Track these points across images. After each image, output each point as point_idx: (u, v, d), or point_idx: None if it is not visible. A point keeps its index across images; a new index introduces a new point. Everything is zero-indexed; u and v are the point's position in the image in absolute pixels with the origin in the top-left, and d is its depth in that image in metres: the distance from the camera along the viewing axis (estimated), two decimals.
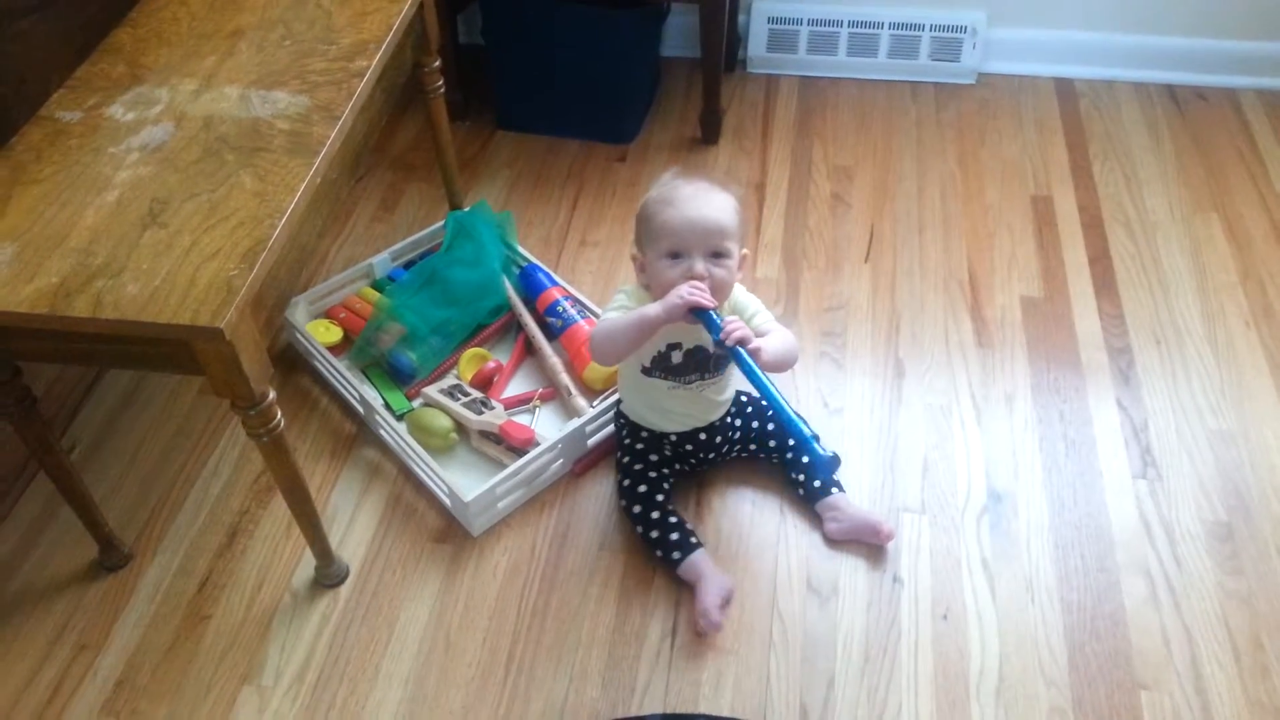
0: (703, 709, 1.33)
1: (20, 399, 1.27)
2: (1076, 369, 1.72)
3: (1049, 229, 1.97)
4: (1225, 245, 1.92)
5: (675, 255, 1.34)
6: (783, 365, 1.43)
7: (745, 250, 1.40)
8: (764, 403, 1.50)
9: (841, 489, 1.52)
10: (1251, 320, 1.78)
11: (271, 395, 1.21)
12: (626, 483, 1.51)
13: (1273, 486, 1.54)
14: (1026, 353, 1.75)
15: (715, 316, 1.31)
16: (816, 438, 1.47)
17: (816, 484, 1.52)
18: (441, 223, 1.92)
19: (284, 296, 1.28)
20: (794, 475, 1.54)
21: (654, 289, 1.38)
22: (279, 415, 1.23)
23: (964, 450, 1.62)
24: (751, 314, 1.43)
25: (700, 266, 1.33)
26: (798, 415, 1.30)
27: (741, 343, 1.30)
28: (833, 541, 1.50)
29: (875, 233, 1.99)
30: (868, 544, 1.49)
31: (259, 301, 1.18)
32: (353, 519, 1.57)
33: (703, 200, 1.35)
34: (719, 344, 1.31)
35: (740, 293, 1.44)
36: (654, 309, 1.33)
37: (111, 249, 1.16)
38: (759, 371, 1.30)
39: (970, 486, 1.57)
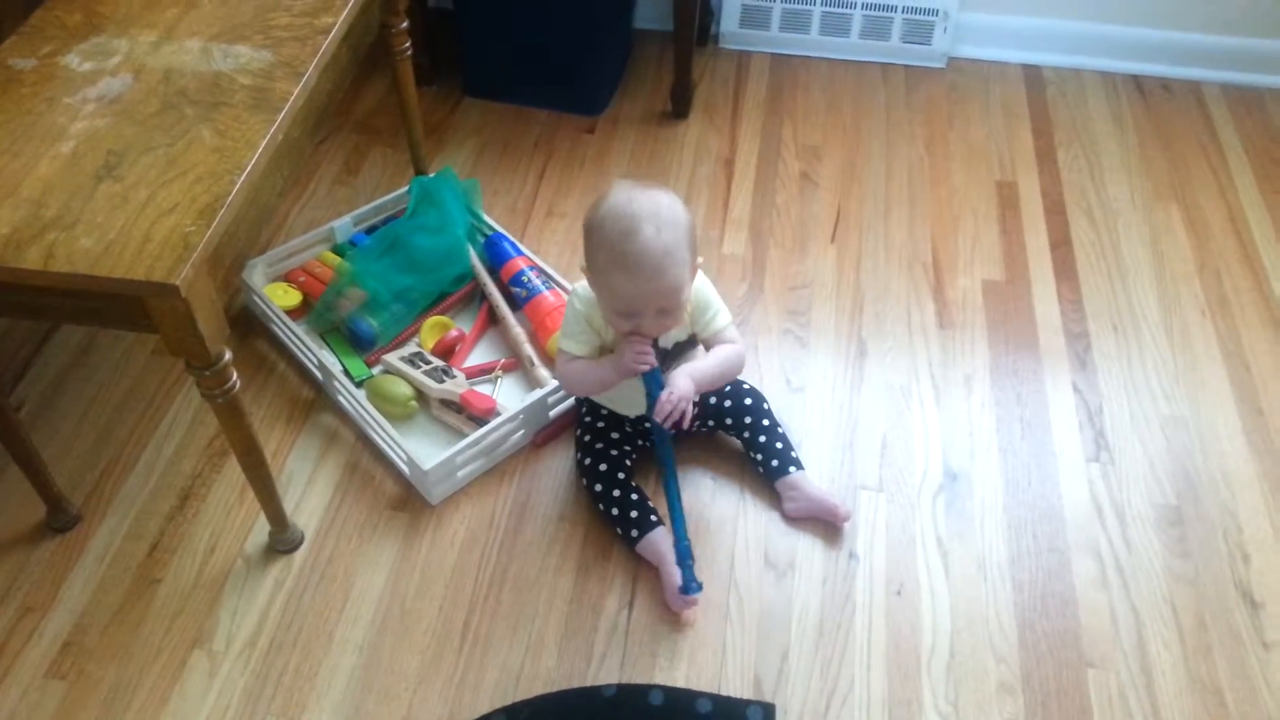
0: (658, 680, 1.34)
1: None
2: (1035, 352, 1.74)
3: (1012, 214, 1.99)
4: (1184, 235, 1.95)
5: (626, 313, 1.32)
6: (720, 384, 1.46)
7: (700, 259, 1.34)
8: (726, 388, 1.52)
9: (801, 467, 1.53)
10: (1207, 310, 1.81)
11: (227, 356, 1.19)
12: (587, 461, 1.50)
13: (1221, 472, 1.57)
14: (986, 335, 1.77)
15: (657, 382, 1.34)
16: (690, 561, 1.38)
17: (775, 463, 1.52)
18: (405, 188, 1.90)
19: (242, 256, 1.25)
20: (754, 454, 1.55)
21: (604, 316, 1.37)
22: (235, 377, 1.21)
23: (922, 430, 1.63)
24: (711, 315, 1.41)
25: (649, 324, 1.31)
26: (684, 532, 1.38)
27: (674, 426, 1.34)
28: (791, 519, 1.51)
29: (842, 213, 1.99)
30: (825, 523, 1.50)
31: (216, 259, 1.16)
32: (308, 485, 1.55)
33: (656, 263, 1.25)
34: (650, 408, 1.34)
35: (703, 288, 1.41)
36: (608, 371, 1.38)
37: (65, 201, 1.13)
38: (671, 460, 1.39)
39: (927, 466, 1.58)
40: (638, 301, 1.29)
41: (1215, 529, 1.50)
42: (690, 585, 1.36)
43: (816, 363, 1.73)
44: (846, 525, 1.50)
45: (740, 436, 1.57)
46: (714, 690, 1.33)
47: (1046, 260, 1.90)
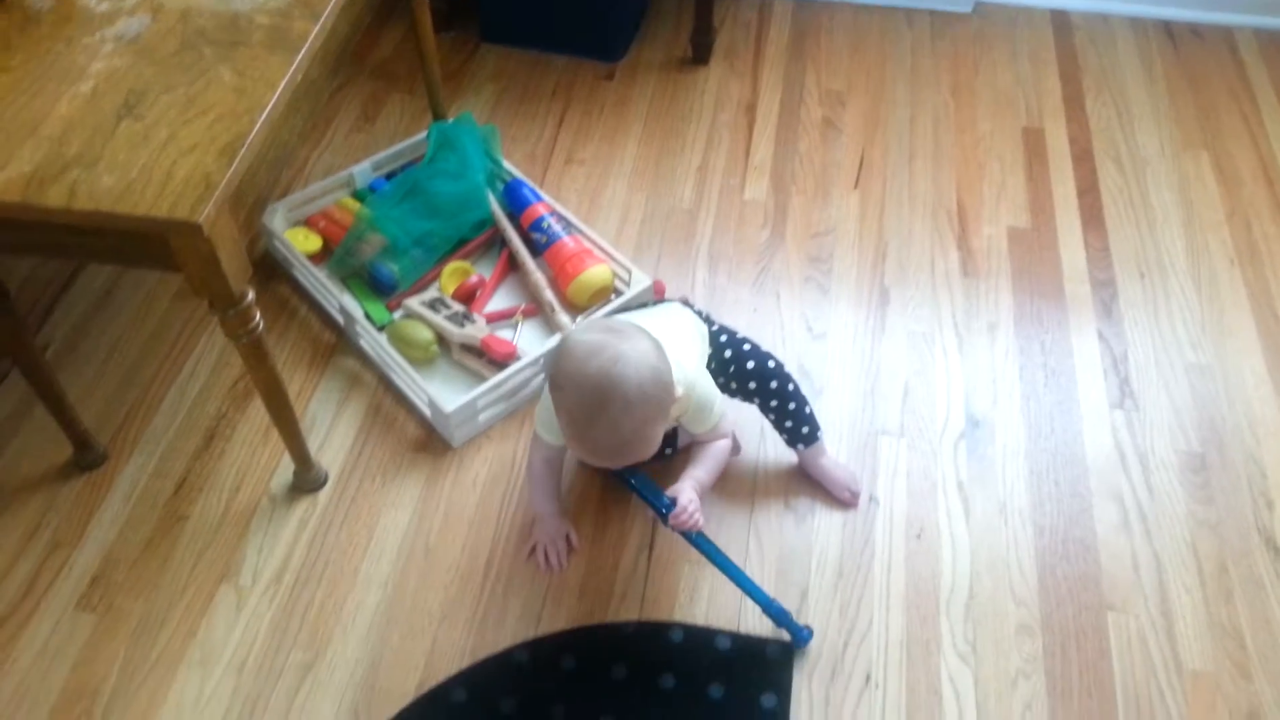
0: (677, 618, 1.35)
1: None
2: (1060, 300, 1.73)
3: (1039, 161, 1.96)
4: (1214, 183, 1.92)
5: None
6: (716, 479, 1.40)
7: (681, 392, 1.23)
8: (745, 346, 1.43)
9: (813, 442, 1.46)
10: (1235, 258, 1.79)
11: (250, 296, 1.19)
12: None
13: (1247, 420, 1.56)
14: (1011, 283, 1.75)
15: (649, 494, 1.30)
16: (789, 614, 1.32)
17: (786, 437, 1.46)
18: (424, 134, 1.89)
19: (263, 197, 1.25)
20: (774, 425, 1.47)
21: None
22: (258, 317, 1.22)
23: (944, 377, 1.63)
24: (709, 416, 1.34)
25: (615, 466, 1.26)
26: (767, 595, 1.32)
27: (691, 529, 1.29)
28: None
29: (865, 159, 1.97)
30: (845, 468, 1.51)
31: (238, 199, 1.16)
32: (332, 427, 1.56)
33: (618, 448, 1.17)
34: (662, 519, 1.29)
35: (703, 392, 1.32)
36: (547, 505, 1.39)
37: (86, 140, 1.13)
38: (717, 550, 1.31)
39: (949, 412, 1.58)
40: (596, 464, 1.26)
41: (1239, 476, 1.49)
42: (801, 634, 1.31)
43: (838, 310, 1.72)
44: (867, 470, 1.50)
45: (762, 409, 1.47)
46: (733, 629, 1.34)
47: (1073, 208, 1.88)
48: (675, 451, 1.47)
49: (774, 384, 1.42)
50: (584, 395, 1.14)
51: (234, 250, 1.13)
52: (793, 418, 1.43)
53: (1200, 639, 1.33)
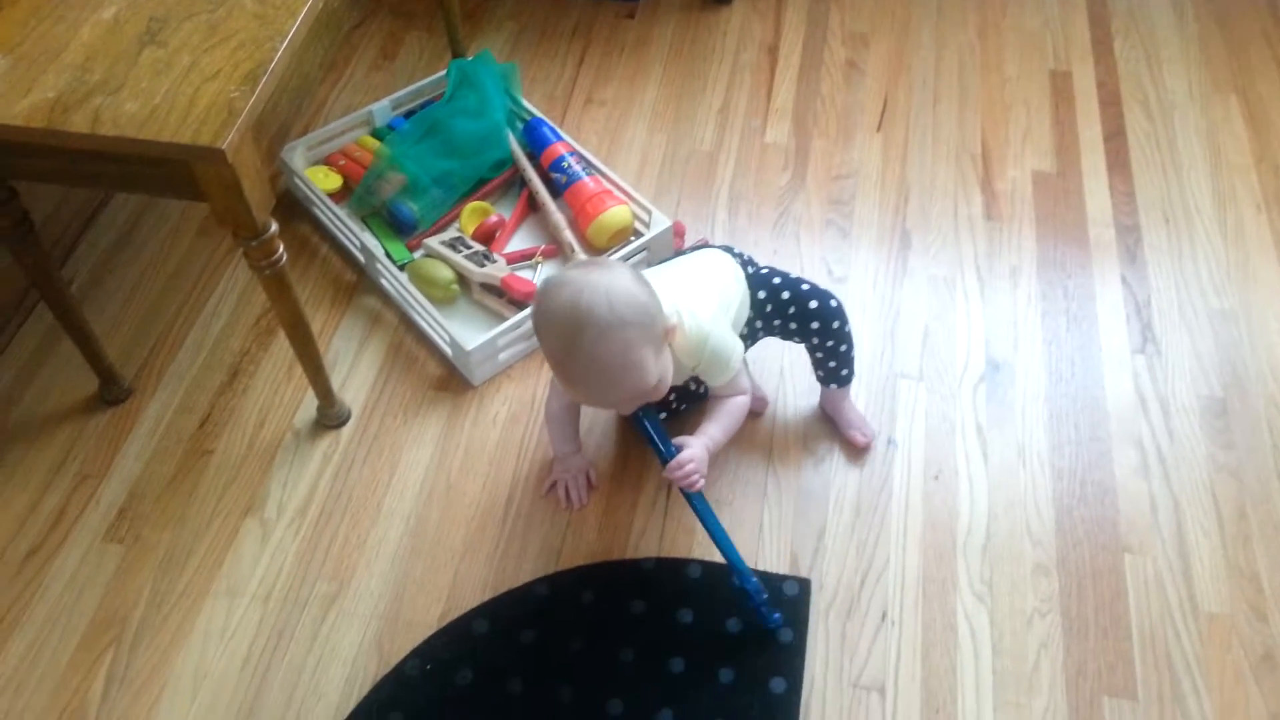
0: (696, 555, 1.36)
1: (18, 223, 1.25)
2: (1084, 245, 1.71)
3: (1066, 105, 1.93)
4: (1243, 128, 1.89)
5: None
6: (729, 440, 1.34)
7: (672, 323, 1.20)
8: (804, 286, 1.38)
9: (843, 385, 1.45)
10: (1263, 204, 1.76)
11: (274, 227, 1.19)
12: None
13: (1270, 366, 1.55)
14: (1035, 228, 1.74)
15: (655, 438, 1.25)
16: (765, 596, 1.28)
17: (821, 373, 1.45)
18: (443, 72, 1.87)
19: (285, 128, 1.25)
20: (811, 356, 1.45)
21: None
22: (281, 249, 1.22)
23: (965, 321, 1.62)
24: (723, 372, 1.29)
25: (623, 409, 1.23)
26: (750, 572, 1.27)
27: (687, 486, 1.25)
28: None
29: (889, 102, 1.94)
30: (864, 410, 1.50)
31: (261, 128, 1.15)
32: (353, 365, 1.57)
33: (602, 378, 1.14)
34: (663, 464, 1.26)
35: (717, 344, 1.27)
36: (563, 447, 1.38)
37: (109, 66, 1.12)
38: (711, 515, 1.28)
39: (969, 356, 1.57)
40: (599, 404, 1.22)
41: (1260, 422, 1.49)
42: (771, 618, 1.28)
43: (859, 253, 1.71)
44: (885, 411, 1.50)
45: (812, 348, 1.44)
46: (751, 566, 1.35)
47: (1099, 152, 1.85)
48: (687, 407, 1.45)
49: (835, 324, 1.37)
50: (556, 328, 1.13)
51: (257, 179, 1.13)
52: (839, 359, 1.40)
53: (1217, 581, 1.33)
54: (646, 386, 1.16)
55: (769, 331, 1.42)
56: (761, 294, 1.39)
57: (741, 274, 1.41)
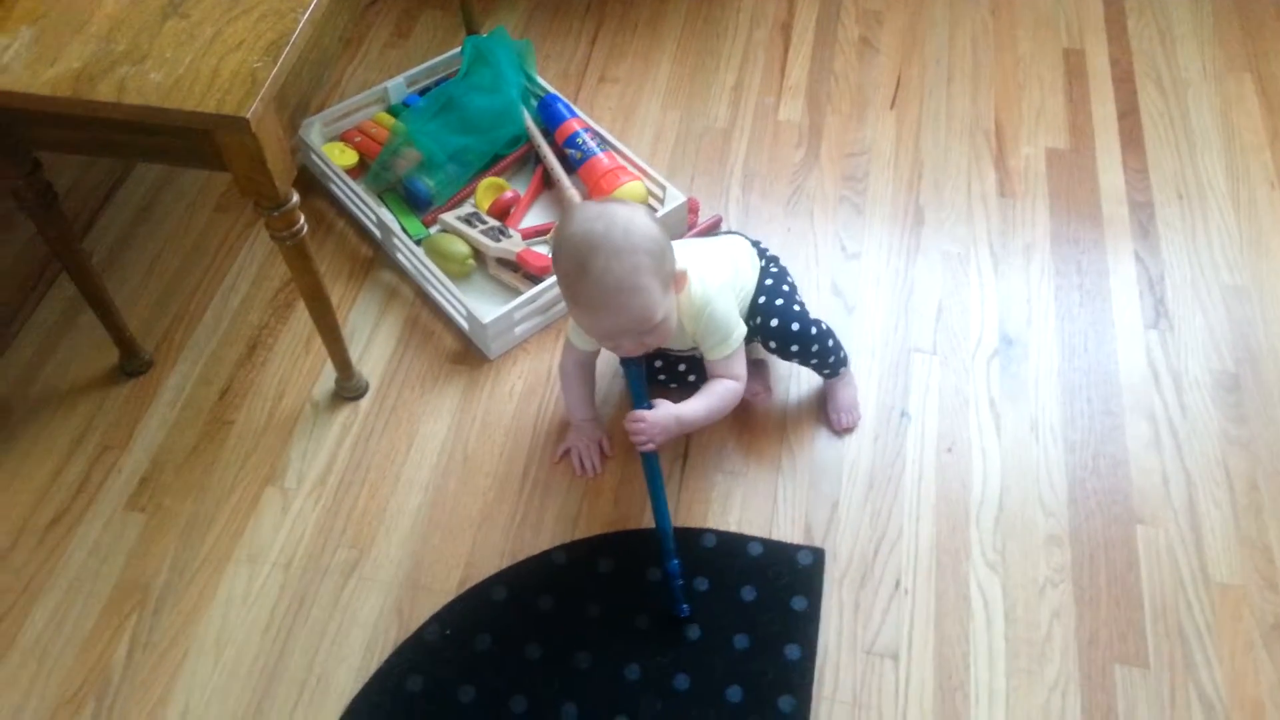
0: (710, 524, 1.38)
1: (42, 193, 1.26)
2: (1097, 222, 1.71)
3: (1079, 82, 1.93)
4: (1256, 106, 1.89)
5: (600, 339, 1.29)
6: (709, 423, 1.37)
7: (681, 268, 1.24)
8: (795, 307, 1.39)
9: (834, 375, 1.47)
10: (1276, 181, 1.76)
11: (295, 197, 1.21)
12: None
13: None
14: (1048, 204, 1.74)
15: (639, 394, 1.31)
16: (681, 582, 1.29)
17: (822, 371, 1.47)
18: (458, 49, 1.88)
19: (305, 99, 1.26)
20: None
21: None
22: (302, 219, 1.23)
23: (979, 297, 1.63)
24: (715, 342, 1.31)
25: (629, 346, 1.25)
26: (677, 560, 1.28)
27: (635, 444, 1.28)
28: None
29: (902, 79, 1.95)
30: (877, 384, 1.52)
31: (283, 99, 1.16)
32: (371, 338, 1.59)
33: (610, 299, 1.17)
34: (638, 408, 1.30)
35: (716, 310, 1.29)
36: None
37: (133, 37, 1.13)
38: (657, 481, 1.30)
39: (983, 331, 1.58)
40: (604, 333, 1.24)
41: (1273, 396, 1.49)
42: (679, 606, 1.28)
43: (872, 230, 1.72)
44: (899, 385, 1.51)
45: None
46: (765, 536, 1.37)
47: (1113, 129, 1.85)
48: (697, 379, 1.44)
49: (814, 347, 1.39)
50: (572, 248, 1.17)
51: (279, 149, 1.15)
52: (822, 363, 1.43)
53: (1229, 553, 1.34)
54: (650, 316, 1.19)
55: (751, 335, 1.41)
56: (761, 299, 1.40)
57: (757, 265, 1.43)
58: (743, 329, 1.34)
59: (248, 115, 1.05)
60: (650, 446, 1.29)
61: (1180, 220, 1.71)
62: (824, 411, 1.48)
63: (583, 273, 1.16)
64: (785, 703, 1.22)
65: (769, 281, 1.42)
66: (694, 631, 1.28)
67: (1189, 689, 1.23)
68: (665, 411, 1.29)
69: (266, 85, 1.08)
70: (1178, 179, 1.77)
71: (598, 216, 1.18)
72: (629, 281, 1.16)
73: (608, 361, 1.50)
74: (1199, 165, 1.79)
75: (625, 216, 1.18)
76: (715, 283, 1.31)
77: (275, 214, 1.19)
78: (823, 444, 1.46)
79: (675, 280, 1.23)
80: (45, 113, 1.09)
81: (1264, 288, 1.62)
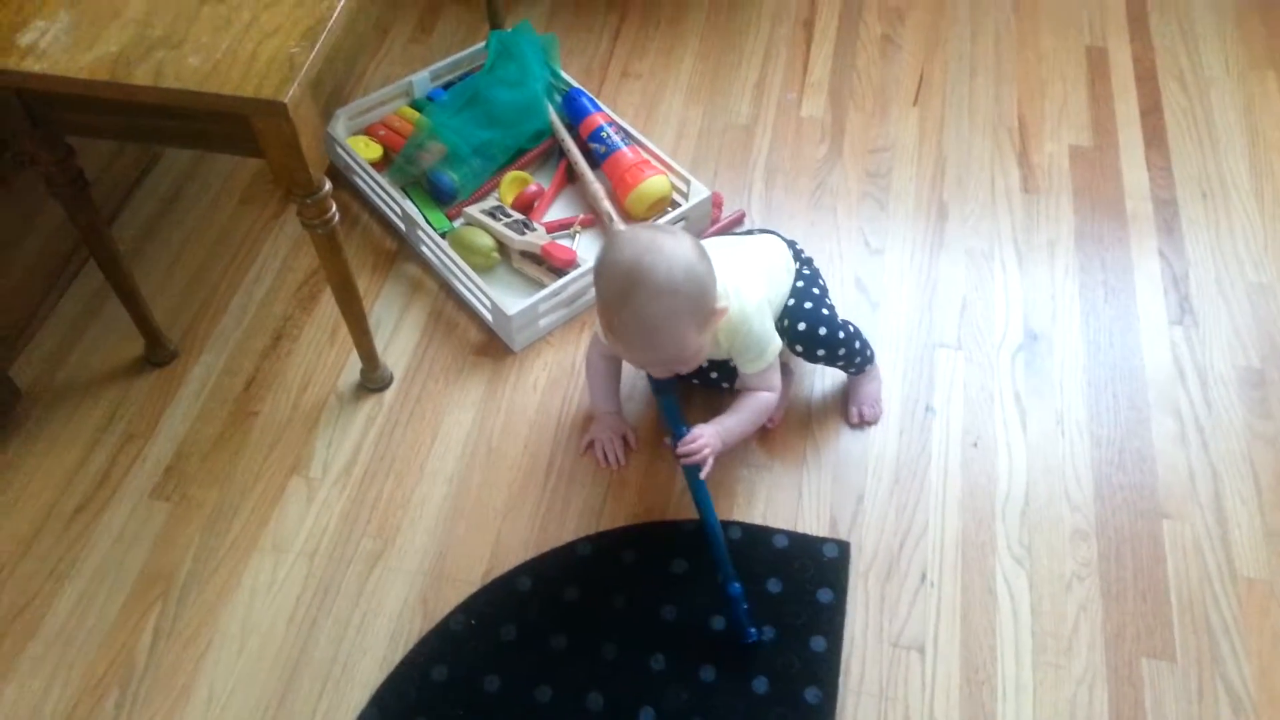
0: (735, 517, 1.38)
1: (73, 179, 1.27)
2: (1121, 218, 1.71)
3: (1102, 80, 1.93)
4: (1279, 104, 1.88)
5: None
6: (745, 437, 1.38)
7: (722, 305, 1.23)
8: (825, 311, 1.39)
9: (858, 373, 1.47)
10: None
11: (328, 185, 1.21)
12: None
13: None
14: (1072, 201, 1.74)
15: (673, 416, 1.31)
16: (746, 606, 1.26)
17: (849, 370, 1.47)
18: (482, 44, 1.88)
19: (339, 88, 1.26)
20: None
21: None
22: (334, 207, 1.23)
23: (1003, 292, 1.63)
24: (751, 358, 1.31)
25: (657, 371, 1.28)
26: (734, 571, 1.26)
27: (694, 464, 1.28)
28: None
29: (925, 76, 1.95)
30: (902, 378, 1.51)
31: (318, 86, 1.17)
32: (395, 331, 1.59)
33: (646, 336, 1.18)
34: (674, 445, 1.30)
35: (751, 328, 1.29)
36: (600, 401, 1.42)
37: (170, 22, 1.14)
38: (708, 502, 1.29)
39: (1008, 326, 1.58)
40: (633, 362, 1.27)
41: None
42: (749, 632, 1.25)
43: (896, 225, 1.72)
44: (924, 380, 1.51)
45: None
46: (790, 529, 1.37)
47: (1136, 127, 1.85)
48: (732, 387, 1.43)
49: (841, 351, 1.40)
50: (616, 279, 1.18)
51: (314, 137, 1.15)
52: (849, 364, 1.43)
53: (1255, 548, 1.34)
54: (682, 355, 1.22)
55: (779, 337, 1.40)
56: (791, 301, 1.40)
57: (792, 269, 1.44)
58: (778, 343, 1.34)
59: (285, 100, 1.05)
60: (707, 455, 1.28)
61: (1204, 217, 1.71)
62: (847, 405, 1.48)
63: (621, 305, 1.17)
64: (811, 694, 1.22)
65: (800, 284, 1.43)
66: (719, 623, 1.28)
67: (1216, 683, 1.23)
68: (710, 433, 1.30)
69: (304, 70, 1.09)
70: (1201, 176, 1.77)
71: (646, 250, 1.16)
72: (666, 324, 1.17)
73: None
74: (1222, 163, 1.79)
75: (670, 253, 1.16)
76: (753, 299, 1.30)
77: (308, 201, 1.19)
78: (847, 438, 1.46)
79: (714, 316, 1.22)
80: (81, 97, 1.10)
81: None
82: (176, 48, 1.10)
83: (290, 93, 1.06)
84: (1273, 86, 1.91)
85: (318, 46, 1.11)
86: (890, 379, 1.52)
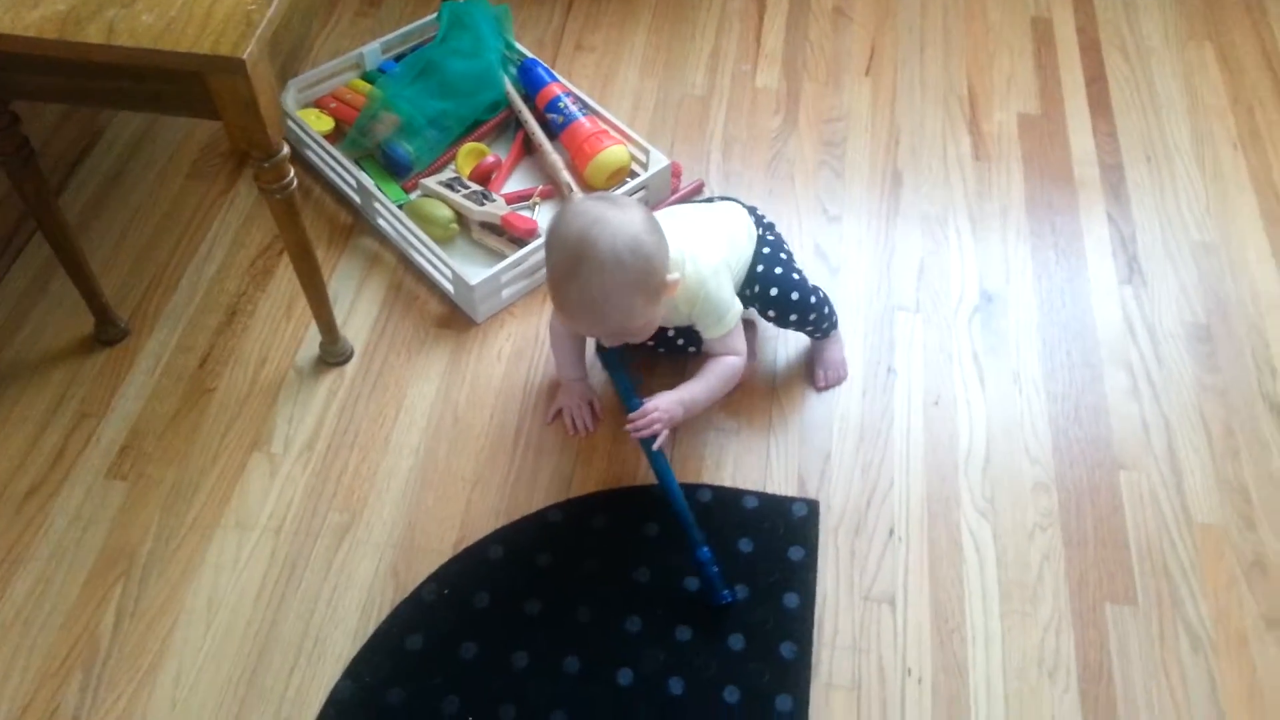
0: (705, 480, 1.38)
1: (19, 147, 1.23)
2: (1069, 183, 1.75)
3: (1048, 50, 1.97)
4: (1217, 72, 1.94)
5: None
6: (712, 402, 1.38)
7: (674, 277, 1.22)
8: (795, 276, 1.40)
9: (821, 338, 1.49)
10: (1239, 142, 1.82)
11: (286, 149, 1.18)
12: None
13: (1250, 294, 1.60)
14: (1022, 167, 1.78)
15: (625, 388, 1.33)
16: (717, 569, 1.26)
17: (814, 335, 1.49)
18: (434, 15, 1.86)
19: (296, 47, 1.23)
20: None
21: None
22: (292, 172, 1.21)
23: (958, 256, 1.65)
24: (712, 322, 1.32)
25: (607, 340, 1.31)
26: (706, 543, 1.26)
27: (646, 437, 1.28)
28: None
29: (876, 48, 1.97)
30: (863, 341, 1.53)
31: (275, 45, 1.14)
32: (354, 304, 1.56)
33: (590, 309, 1.18)
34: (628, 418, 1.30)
35: (710, 292, 1.29)
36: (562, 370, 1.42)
37: None
38: (668, 473, 1.30)
39: (964, 289, 1.61)
40: (582, 331, 1.28)
41: (1244, 346, 1.54)
42: (722, 594, 1.25)
43: (852, 193, 1.74)
44: (884, 341, 1.53)
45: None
46: (759, 490, 1.38)
47: (1081, 95, 1.89)
48: (698, 351, 1.43)
49: (812, 315, 1.42)
50: (562, 253, 1.18)
51: (272, 97, 1.12)
52: (816, 328, 1.45)
53: (1208, 494, 1.38)
54: (629, 328, 1.22)
55: (748, 304, 1.42)
56: (759, 267, 1.40)
57: (753, 234, 1.44)
58: (739, 306, 1.35)
59: (244, 56, 1.03)
60: (660, 431, 1.28)
61: (1149, 181, 1.76)
62: (811, 369, 1.49)
63: (566, 280, 1.17)
64: (787, 649, 1.23)
65: (766, 250, 1.43)
66: (693, 584, 1.28)
67: (1177, 624, 1.27)
68: (668, 399, 1.30)
69: (262, 27, 1.06)
70: (1145, 142, 1.82)
71: (592, 223, 1.15)
72: (611, 297, 1.16)
73: None
74: (1165, 128, 1.84)
75: (617, 226, 1.15)
76: (709, 263, 1.31)
77: (266, 165, 1.17)
78: (812, 401, 1.47)
79: (665, 288, 1.21)
80: (28, 56, 1.06)
81: (1230, 243, 1.67)
82: (129, 5, 1.07)
83: (249, 49, 1.03)
84: (1210, 56, 1.97)
85: (275, 3, 1.08)
86: (852, 342, 1.53)
